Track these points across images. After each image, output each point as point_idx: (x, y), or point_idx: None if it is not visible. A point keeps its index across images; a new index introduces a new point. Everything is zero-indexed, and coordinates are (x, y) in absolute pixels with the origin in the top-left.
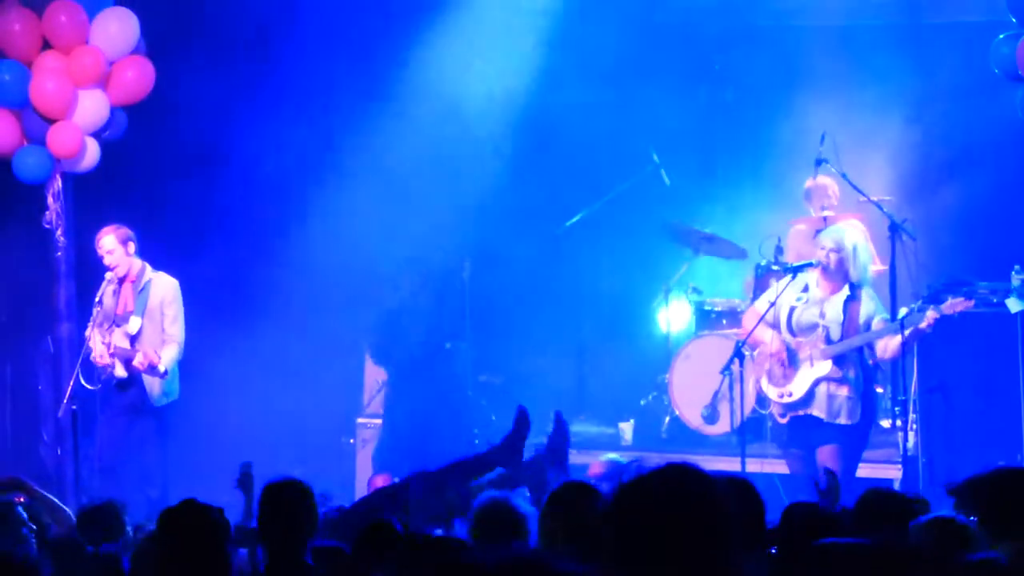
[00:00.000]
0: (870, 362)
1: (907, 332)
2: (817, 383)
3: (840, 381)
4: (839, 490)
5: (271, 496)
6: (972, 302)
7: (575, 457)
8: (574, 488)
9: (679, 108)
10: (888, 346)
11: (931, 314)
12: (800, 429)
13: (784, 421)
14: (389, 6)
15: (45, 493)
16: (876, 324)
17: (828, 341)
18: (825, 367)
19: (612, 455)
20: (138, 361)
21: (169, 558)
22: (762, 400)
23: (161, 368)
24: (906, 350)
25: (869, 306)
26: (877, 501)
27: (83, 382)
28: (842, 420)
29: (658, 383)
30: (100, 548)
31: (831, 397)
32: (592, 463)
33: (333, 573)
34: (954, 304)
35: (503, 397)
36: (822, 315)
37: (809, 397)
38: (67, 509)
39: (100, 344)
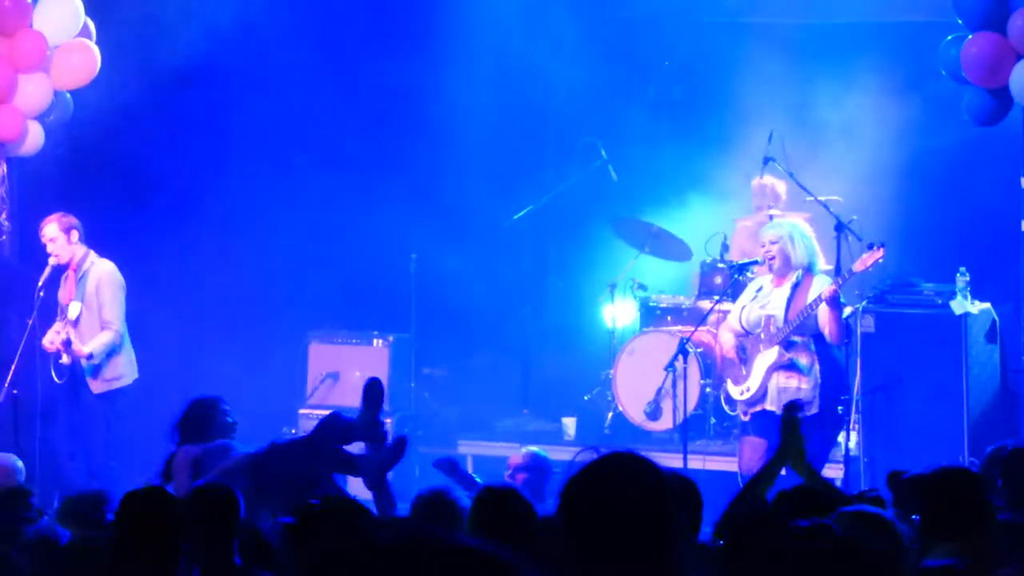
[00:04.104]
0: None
1: (825, 292)
2: (770, 374)
3: (791, 369)
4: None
5: (198, 501)
6: (882, 251)
7: (515, 451)
8: (495, 493)
9: (627, 105)
10: (823, 323)
11: (856, 266)
12: (761, 424)
13: (747, 418)
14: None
15: None
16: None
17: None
18: (772, 354)
19: (534, 448)
20: (73, 348)
21: (123, 542)
22: (731, 401)
23: (85, 351)
24: (841, 326)
25: (818, 287)
26: (793, 499)
27: (55, 377)
28: None
29: (602, 379)
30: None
31: (781, 390)
32: (512, 455)
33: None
34: (864, 260)
35: (446, 390)
36: (764, 306)
37: (763, 391)
38: None
39: (52, 332)
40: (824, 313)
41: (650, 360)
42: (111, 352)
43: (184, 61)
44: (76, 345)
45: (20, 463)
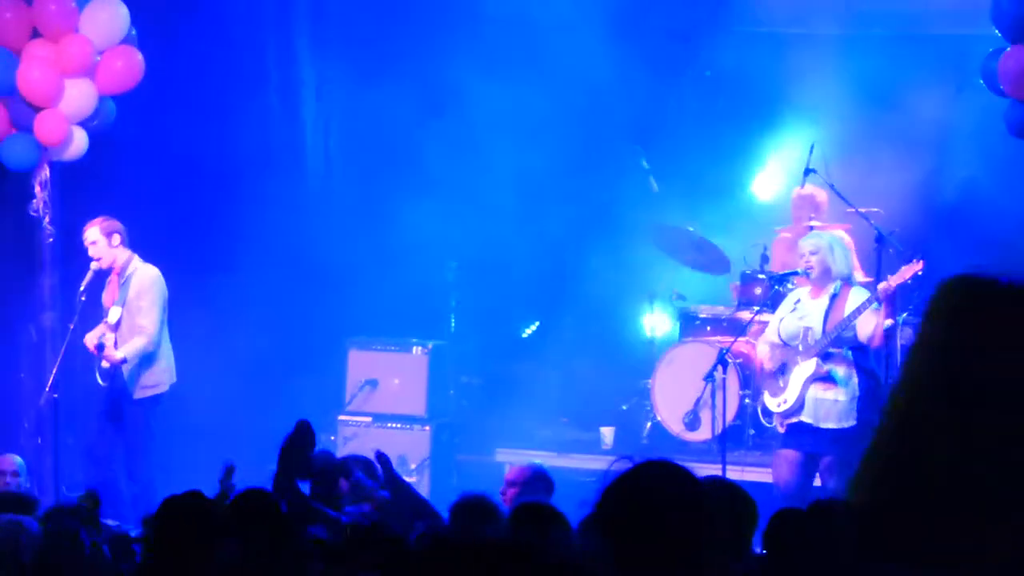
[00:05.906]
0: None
1: (878, 303)
2: (807, 386)
3: (828, 381)
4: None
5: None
6: (921, 263)
7: (552, 459)
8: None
9: (670, 115)
10: (868, 330)
11: (894, 279)
12: (795, 435)
13: (783, 430)
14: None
15: None
16: (864, 313)
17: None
18: (810, 366)
19: (536, 460)
20: (106, 353)
21: (161, 547)
22: (768, 413)
23: (119, 355)
24: (889, 334)
25: (856, 299)
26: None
27: (99, 380)
28: (831, 424)
29: (640, 388)
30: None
31: (818, 401)
32: (512, 467)
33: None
34: (903, 273)
35: (485, 398)
36: (802, 317)
37: (801, 403)
38: None
39: (93, 335)
40: (872, 315)
41: (689, 370)
42: (149, 359)
43: (230, 65)
44: (109, 350)
45: (20, 460)
